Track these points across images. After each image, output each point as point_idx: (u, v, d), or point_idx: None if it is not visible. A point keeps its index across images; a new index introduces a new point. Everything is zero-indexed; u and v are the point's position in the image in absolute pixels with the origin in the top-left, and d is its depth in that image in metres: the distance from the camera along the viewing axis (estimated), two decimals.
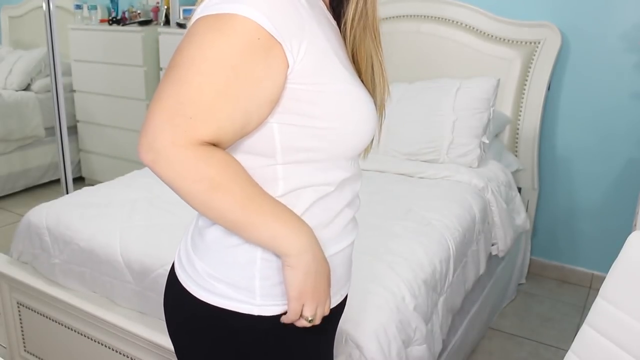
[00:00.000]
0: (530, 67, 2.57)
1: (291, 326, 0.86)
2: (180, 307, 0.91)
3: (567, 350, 1.13)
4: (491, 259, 2.21)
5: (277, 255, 0.83)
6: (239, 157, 0.81)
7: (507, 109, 2.64)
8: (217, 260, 0.86)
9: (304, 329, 0.86)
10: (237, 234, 0.82)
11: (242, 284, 0.84)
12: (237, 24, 0.72)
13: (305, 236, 0.81)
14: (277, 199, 0.82)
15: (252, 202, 0.77)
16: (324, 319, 0.87)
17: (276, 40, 0.73)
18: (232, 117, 0.74)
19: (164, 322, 0.97)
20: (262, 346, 0.88)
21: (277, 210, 0.80)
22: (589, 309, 1.10)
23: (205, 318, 0.87)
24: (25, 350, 1.96)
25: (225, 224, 0.79)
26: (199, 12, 0.75)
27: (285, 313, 0.85)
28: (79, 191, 2.06)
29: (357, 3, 0.84)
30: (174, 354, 0.99)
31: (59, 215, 1.83)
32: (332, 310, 0.90)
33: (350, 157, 0.88)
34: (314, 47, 0.78)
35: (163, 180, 0.74)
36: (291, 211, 0.82)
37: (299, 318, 0.84)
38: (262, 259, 0.84)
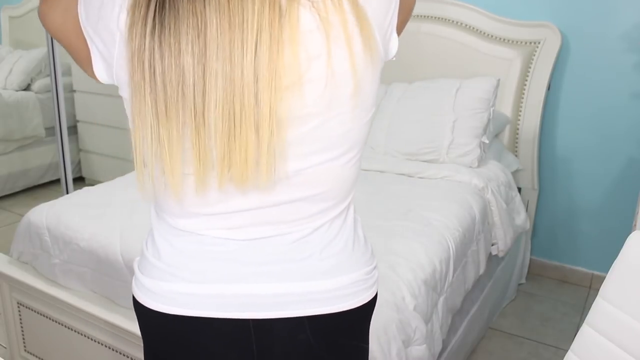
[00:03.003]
0: (530, 67, 2.57)
1: None
2: (365, 320, 0.93)
3: (567, 350, 1.13)
4: (491, 259, 2.21)
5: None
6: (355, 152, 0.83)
7: (507, 109, 2.64)
8: (372, 256, 0.92)
9: None
10: None
11: (373, 252, 0.93)
12: None
13: None
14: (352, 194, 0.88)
15: None
16: None
17: None
18: None
19: None
20: None
21: None
22: (589, 309, 1.10)
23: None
24: (25, 350, 1.96)
25: None
26: None
27: None
28: (79, 191, 2.05)
29: None
30: None
31: (59, 215, 1.83)
32: None
33: None
34: None
35: None
36: None
37: None
38: (362, 226, 0.93)
